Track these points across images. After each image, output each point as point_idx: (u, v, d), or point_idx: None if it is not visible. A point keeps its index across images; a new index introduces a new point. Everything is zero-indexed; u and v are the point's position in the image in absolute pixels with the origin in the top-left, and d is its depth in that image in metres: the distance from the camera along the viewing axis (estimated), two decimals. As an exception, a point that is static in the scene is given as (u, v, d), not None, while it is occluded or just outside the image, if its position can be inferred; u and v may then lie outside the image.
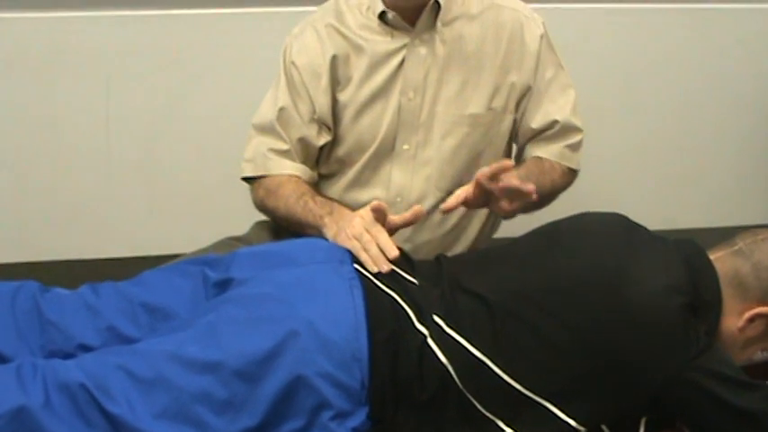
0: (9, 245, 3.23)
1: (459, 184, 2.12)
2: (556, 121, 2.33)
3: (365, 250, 1.95)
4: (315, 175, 2.37)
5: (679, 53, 3.53)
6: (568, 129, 2.36)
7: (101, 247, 3.30)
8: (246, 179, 2.37)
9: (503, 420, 1.82)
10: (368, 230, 1.97)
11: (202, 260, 2.04)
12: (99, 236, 3.31)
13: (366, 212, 2.02)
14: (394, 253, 1.95)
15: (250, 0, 3.23)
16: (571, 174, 2.40)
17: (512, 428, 1.81)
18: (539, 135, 2.35)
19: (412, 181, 2.31)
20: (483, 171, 1.98)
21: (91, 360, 1.74)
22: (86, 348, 1.84)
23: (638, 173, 3.63)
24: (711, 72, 3.58)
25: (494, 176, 1.97)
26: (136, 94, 3.20)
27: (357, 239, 1.97)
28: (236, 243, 2.26)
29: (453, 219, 2.33)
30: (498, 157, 2.33)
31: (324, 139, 2.32)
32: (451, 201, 2.03)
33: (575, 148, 2.39)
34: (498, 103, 2.29)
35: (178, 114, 3.24)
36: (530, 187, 1.94)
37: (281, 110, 2.30)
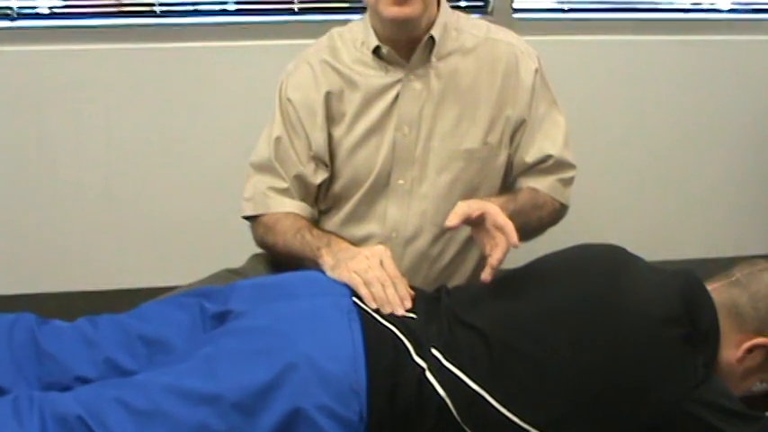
0: (6, 277, 3.23)
1: None
2: (550, 156, 2.34)
3: (382, 289, 1.95)
4: (315, 212, 2.37)
5: (675, 84, 3.55)
6: (562, 164, 2.36)
7: (98, 279, 3.30)
8: (247, 217, 2.37)
9: (501, 452, 1.81)
10: (390, 276, 1.98)
11: (200, 292, 2.04)
12: (96, 268, 3.31)
13: (374, 255, 2.02)
14: (408, 304, 1.95)
15: (247, 33, 3.25)
16: (561, 209, 2.40)
17: (510, 460, 1.81)
18: (532, 168, 2.35)
19: (407, 216, 2.31)
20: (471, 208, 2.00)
21: (88, 392, 1.73)
22: (84, 381, 1.83)
23: (635, 204, 3.64)
24: (708, 103, 3.60)
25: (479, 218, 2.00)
26: (134, 128, 3.22)
27: (359, 274, 1.97)
28: (234, 275, 2.26)
29: (450, 252, 2.33)
30: (494, 193, 2.33)
31: (321, 176, 2.32)
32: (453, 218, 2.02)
33: (567, 183, 2.39)
34: (494, 137, 2.29)
35: (176, 147, 3.26)
36: (513, 241, 1.96)
37: (278, 142, 2.31)
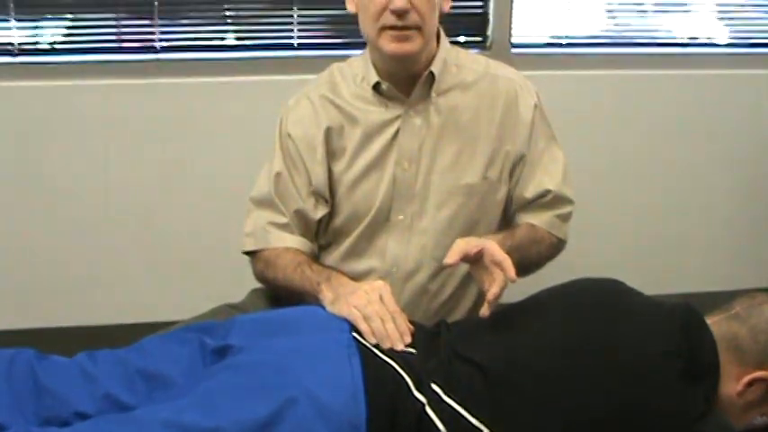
0: (6, 312, 3.22)
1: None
2: (549, 191, 2.34)
3: (381, 324, 1.95)
4: (315, 247, 2.37)
5: (673, 118, 3.58)
6: (560, 199, 2.37)
7: (98, 314, 3.30)
8: (247, 252, 2.37)
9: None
10: (389, 311, 1.98)
11: (200, 327, 2.03)
12: (96, 303, 3.31)
13: (374, 290, 2.02)
14: (408, 339, 1.95)
15: (247, 68, 3.26)
16: (559, 244, 2.41)
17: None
18: (531, 203, 2.36)
19: (407, 251, 2.31)
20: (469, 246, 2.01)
21: (87, 427, 1.73)
22: (83, 416, 1.82)
23: (634, 237, 3.65)
24: (706, 137, 3.63)
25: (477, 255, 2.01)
26: (134, 163, 3.23)
27: (359, 309, 1.97)
28: (233, 310, 2.25)
29: (450, 287, 2.33)
30: (494, 227, 2.34)
31: (321, 211, 2.32)
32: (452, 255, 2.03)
33: (564, 218, 2.40)
34: (493, 172, 2.30)
35: (175, 182, 3.27)
36: (510, 276, 1.97)
37: (278, 177, 2.31)
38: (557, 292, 2.08)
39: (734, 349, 1.92)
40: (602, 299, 2.02)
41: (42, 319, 3.27)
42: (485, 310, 1.97)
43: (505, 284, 1.97)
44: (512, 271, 1.96)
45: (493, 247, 2.00)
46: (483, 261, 2.01)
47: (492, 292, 1.96)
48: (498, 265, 1.98)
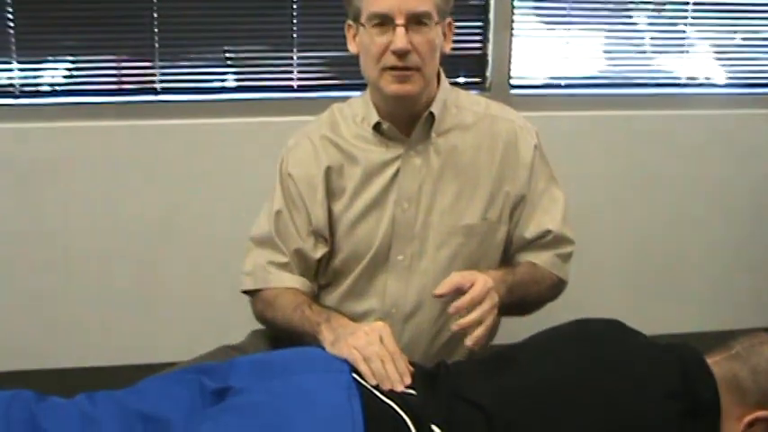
0: (4, 353, 3.21)
1: (454, 296, 2.12)
2: (549, 231, 2.34)
3: (381, 365, 1.94)
4: (314, 287, 2.37)
5: (671, 158, 3.59)
6: (561, 239, 2.37)
7: (97, 355, 3.30)
8: (246, 292, 2.37)
9: None
10: (389, 352, 1.97)
11: (199, 368, 2.02)
12: (95, 344, 3.31)
13: (374, 331, 2.02)
14: (408, 380, 1.95)
15: (247, 110, 3.28)
16: (560, 284, 2.41)
17: None
18: (531, 243, 2.36)
19: (407, 292, 2.31)
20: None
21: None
22: (82, 458, 1.81)
23: (633, 277, 3.65)
24: (704, 177, 3.65)
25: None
26: (134, 203, 3.24)
27: (359, 350, 1.97)
28: (233, 352, 2.24)
29: (450, 329, 2.32)
30: (493, 268, 2.32)
31: (321, 251, 2.32)
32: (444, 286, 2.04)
33: (565, 258, 2.40)
34: (493, 213, 2.30)
35: (175, 222, 3.28)
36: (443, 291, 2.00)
37: (278, 216, 2.32)
38: (557, 332, 2.08)
39: (735, 389, 1.91)
40: (602, 340, 2.01)
41: (41, 360, 3.27)
42: (468, 342, 1.97)
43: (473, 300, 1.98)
44: (475, 297, 1.98)
45: (482, 280, 2.01)
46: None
47: (460, 323, 1.98)
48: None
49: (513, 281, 2.19)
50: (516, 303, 2.00)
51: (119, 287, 3.30)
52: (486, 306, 1.99)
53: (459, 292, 2.01)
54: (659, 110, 3.59)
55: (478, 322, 1.98)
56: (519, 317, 2.28)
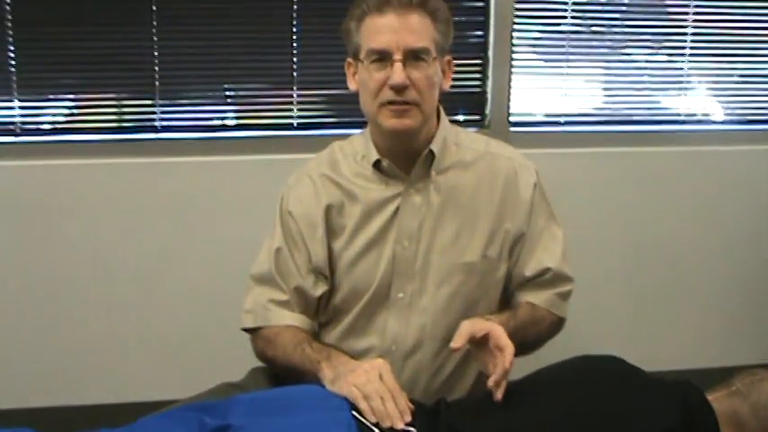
0: (5, 391, 3.21)
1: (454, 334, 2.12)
2: (548, 269, 2.34)
3: (381, 402, 1.94)
4: (315, 324, 2.36)
5: (671, 195, 3.61)
6: (560, 277, 2.37)
7: (97, 393, 3.29)
8: (247, 329, 2.37)
9: None
10: (389, 390, 1.97)
11: (199, 406, 2.01)
12: (95, 381, 3.30)
13: (373, 369, 2.01)
14: (407, 418, 1.94)
15: (247, 147, 3.29)
16: (559, 323, 2.40)
17: None
18: (531, 281, 2.36)
19: (407, 329, 2.30)
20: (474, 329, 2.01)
21: None
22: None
23: (634, 314, 3.64)
24: (704, 213, 3.65)
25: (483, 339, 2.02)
26: (134, 241, 3.25)
27: (359, 388, 1.97)
28: (233, 389, 2.23)
29: (450, 366, 2.32)
30: (494, 306, 2.33)
31: (321, 289, 2.32)
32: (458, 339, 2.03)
33: (564, 296, 2.40)
34: (493, 251, 2.30)
35: (176, 259, 3.27)
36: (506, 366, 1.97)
37: (278, 254, 2.32)
38: (557, 369, 2.08)
39: (735, 425, 1.91)
40: (603, 376, 2.01)
41: (41, 398, 3.26)
42: (499, 395, 1.96)
43: (504, 372, 1.97)
44: (508, 360, 1.97)
45: (498, 331, 2.01)
46: (487, 344, 2.02)
47: (492, 380, 1.96)
48: (500, 350, 1.98)
49: (515, 325, 2.18)
50: (517, 346, 2.01)
51: (118, 324, 3.30)
52: (511, 358, 1.99)
53: (470, 340, 2.02)
54: (658, 147, 3.60)
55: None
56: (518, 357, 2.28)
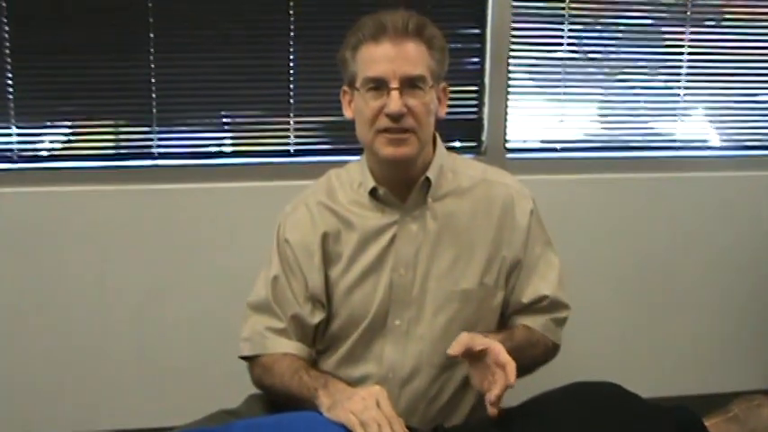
0: (4, 421, 3.20)
1: (452, 360, 2.11)
2: (545, 297, 2.35)
3: (378, 430, 1.93)
4: (312, 352, 2.36)
5: (668, 221, 3.61)
6: (556, 304, 2.38)
7: (93, 420, 3.28)
8: (244, 357, 2.36)
9: None
10: (386, 417, 1.96)
11: (196, 433, 2.02)
12: (91, 409, 3.30)
13: (371, 396, 2.00)
14: None
15: (244, 174, 3.29)
16: (554, 349, 2.41)
17: None
18: (527, 308, 2.36)
19: (404, 357, 2.30)
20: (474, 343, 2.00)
21: None
22: None
23: (630, 340, 3.64)
24: (701, 239, 3.65)
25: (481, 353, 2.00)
26: (131, 268, 3.24)
27: (356, 415, 1.96)
28: (230, 416, 2.23)
29: (448, 393, 2.32)
30: (490, 332, 2.32)
31: (318, 317, 2.32)
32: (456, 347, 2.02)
33: (560, 323, 2.41)
34: (490, 278, 2.31)
35: (173, 287, 3.27)
36: (511, 381, 1.96)
37: (275, 282, 2.32)
38: (555, 396, 2.07)
39: (733, 452, 1.92)
40: (600, 403, 2.01)
41: (38, 426, 3.26)
42: (493, 411, 1.95)
43: (506, 387, 1.96)
44: (513, 376, 1.96)
45: (498, 348, 2.00)
46: (485, 360, 2.01)
47: (494, 394, 1.95)
48: (501, 367, 1.97)
49: (512, 346, 2.17)
50: None
51: (114, 351, 3.29)
52: (514, 373, 1.98)
53: (467, 353, 2.01)
54: (655, 173, 3.61)
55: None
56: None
